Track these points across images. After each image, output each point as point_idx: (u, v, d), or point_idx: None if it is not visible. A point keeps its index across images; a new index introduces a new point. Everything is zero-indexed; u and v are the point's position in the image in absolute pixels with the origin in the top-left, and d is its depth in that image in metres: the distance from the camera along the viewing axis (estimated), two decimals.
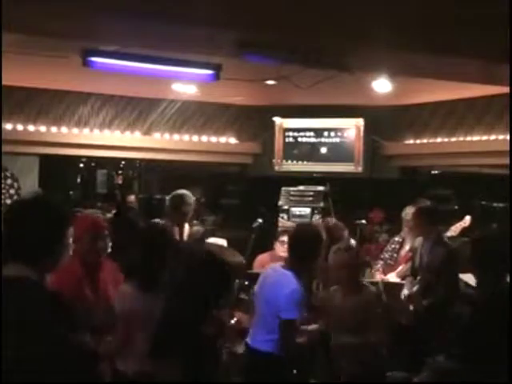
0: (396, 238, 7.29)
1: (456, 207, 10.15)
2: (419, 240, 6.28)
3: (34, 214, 2.57)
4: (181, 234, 6.36)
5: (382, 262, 7.19)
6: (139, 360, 3.87)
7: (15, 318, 2.37)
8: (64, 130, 9.32)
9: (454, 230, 7.20)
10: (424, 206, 6.46)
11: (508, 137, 8.00)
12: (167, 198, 6.68)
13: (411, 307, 5.96)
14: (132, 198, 10.14)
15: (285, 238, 6.98)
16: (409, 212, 6.74)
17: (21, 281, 2.46)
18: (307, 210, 8.84)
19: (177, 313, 3.48)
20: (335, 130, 9.97)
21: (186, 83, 7.88)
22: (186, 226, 6.50)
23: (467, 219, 7.27)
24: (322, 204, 8.80)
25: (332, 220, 7.18)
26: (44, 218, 2.57)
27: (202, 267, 3.58)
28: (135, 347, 4.04)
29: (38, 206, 2.62)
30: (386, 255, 7.22)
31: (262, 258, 7.14)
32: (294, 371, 4.80)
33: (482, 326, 3.87)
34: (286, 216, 9.34)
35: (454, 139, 9.20)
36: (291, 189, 9.58)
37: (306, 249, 4.74)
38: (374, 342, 4.86)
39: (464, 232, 7.18)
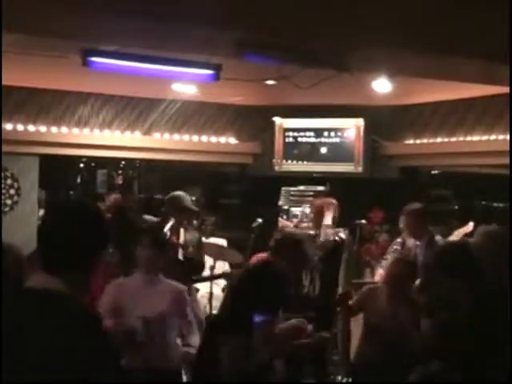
0: (398, 240, 7.32)
1: (456, 207, 10.15)
2: (412, 241, 6.37)
3: (82, 220, 2.34)
4: (177, 236, 6.32)
5: (385, 262, 7.21)
6: None
7: (42, 336, 2.15)
8: (64, 129, 9.32)
9: (457, 234, 7.21)
10: (415, 207, 6.51)
11: (508, 137, 8.00)
12: (166, 198, 6.65)
13: None
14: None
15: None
16: None
17: (53, 294, 2.23)
18: (307, 210, 8.84)
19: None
20: (335, 129, 9.96)
21: (186, 83, 7.87)
22: (181, 230, 6.40)
23: (470, 225, 7.28)
24: None
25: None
26: (90, 225, 2.35)
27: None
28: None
29: (85, 213, 2.39)
30: (389, 256, 7.25)
31: (258, 258, 7.12)
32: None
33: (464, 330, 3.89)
34: (285, 216, 9.36)
35: (454, 139, 9.20)
36: (291, 189, 9.59)
37: (289, 260, 4.77)
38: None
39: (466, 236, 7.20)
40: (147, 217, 6.38)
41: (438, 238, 6.43)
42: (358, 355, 5.25)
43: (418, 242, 6.35)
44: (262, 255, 7.13)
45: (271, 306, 3.71)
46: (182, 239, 6.29)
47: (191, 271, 6.19)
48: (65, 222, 2.34)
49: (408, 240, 6.70)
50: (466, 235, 7.21)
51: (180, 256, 6.16)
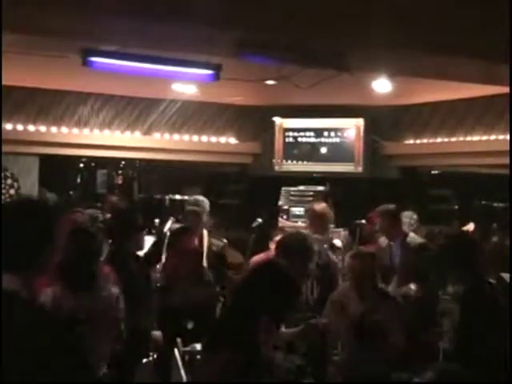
0: None
1: (456, 207, 10.16)
2: (385, 241, 6.42)
3: (17, 217, 2.36)
4: (200, 241, 6.35)
5: None
6: None
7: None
8: (64, 130, 9.32)
9: None
10: (388, 209, 6.54)
11: (508, 137, 8.00)
12: (187, 206, 6.64)
13: None
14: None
15: (279, 237, 6.97)
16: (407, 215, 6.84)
17: (8, 295, 2.24)
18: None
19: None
20: (335, 130, 9.97)
21: (186, 83, 7.88)
22: (205, 234, 6.45)
23: (471, 226, 7.30)
24: None
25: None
26: (29, 221, 2.35)
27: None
28: None
29: (21, 209, 2.41)
30: None
31: (257, 258, 7.10)
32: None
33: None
34: (285, 216, 9.35)
35: (454, 139, 9.20)
36: (291, 189, 9.58)
37: (294, 260, 4.71)
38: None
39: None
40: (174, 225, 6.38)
41: (412, 235, 6.45)
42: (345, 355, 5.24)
43: (391, 242, 6.40)
44: (262, 255, 7.12)
45: (281, 306, 3.64)
46: (205, 243, 6.38)
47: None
48: (6, 221, 2.34)
49: (381, 240, 6.73)
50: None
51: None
